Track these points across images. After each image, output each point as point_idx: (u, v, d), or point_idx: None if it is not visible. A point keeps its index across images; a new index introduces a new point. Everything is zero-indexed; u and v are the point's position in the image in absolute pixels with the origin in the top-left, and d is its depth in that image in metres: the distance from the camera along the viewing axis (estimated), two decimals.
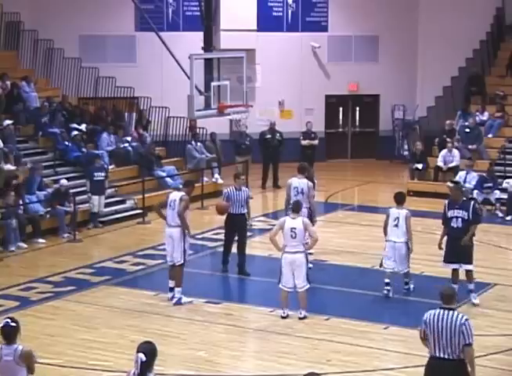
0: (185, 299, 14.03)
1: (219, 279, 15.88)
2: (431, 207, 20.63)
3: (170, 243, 14.09)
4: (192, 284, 14.39)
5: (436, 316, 8.62)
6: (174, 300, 14.01)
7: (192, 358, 11.77)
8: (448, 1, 27.96)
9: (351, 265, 16.45)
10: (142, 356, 7.36)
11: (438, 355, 8.60)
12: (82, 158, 21.16)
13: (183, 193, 14.16)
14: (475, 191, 20.86)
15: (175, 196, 14.12)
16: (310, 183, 15.55)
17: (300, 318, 13.11)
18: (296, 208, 13.36)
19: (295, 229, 12.99)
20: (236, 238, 15.74)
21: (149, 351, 7.46)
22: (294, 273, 13.06)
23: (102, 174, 20.11)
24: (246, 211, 15.65)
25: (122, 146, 23.01)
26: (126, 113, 25.14)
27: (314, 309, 13.46)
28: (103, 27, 26.57)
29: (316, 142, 25.05)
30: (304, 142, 24.94)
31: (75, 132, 22.07)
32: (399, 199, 14.43)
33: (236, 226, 15.60)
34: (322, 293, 14.61)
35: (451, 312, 8.63)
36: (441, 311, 8.65)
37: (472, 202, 13.90)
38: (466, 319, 8.60)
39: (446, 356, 8.55)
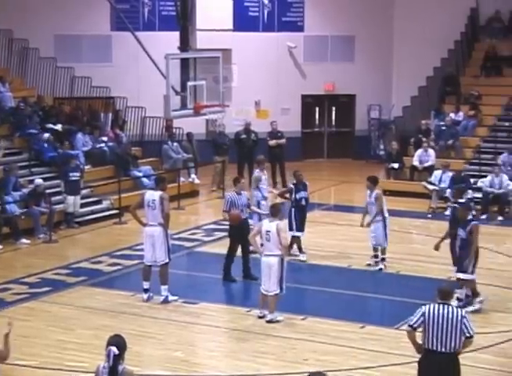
0: (171, 297, 14.01)
1: (196, 279, 15.82)
2: (407, 206, 20.71)
3: (150, 242, 14.01)
4: (169, 284, 14.29)
5: (436, 310, 8.75)
6: (162, 298, 13.98)
7: (168, 358, 11.71)
8: (423, 1, 28.08)
9: (328, 265, 16.44)
10: (114, 349, 7.43)
11: (435, 348, 8.72)
12: (57, 158, 21.03)
13: (161, 192, 14.08)
14: (448, 190, 20.91)
15: (153, 195, 14.04)
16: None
17: (267, 321, 13.05)
18: (273, 212, 13.33)
19: (269, 232, 12.95)
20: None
21: (120, 344, 7.56)
22: (270, 276, 13.03)
23: (77, 174, 20.00)
24: (247, 215, 15.62)
25: (98, 146, 22.90)
26: (102, 113, 25.03)
27: (291, 308, 13.44)
28: (79, 27, 26.44)
29: (283, 141, 24.94)
30: (272, 143, 24.78)
31: (46, 135, 21.82)
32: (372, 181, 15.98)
33: (240, 232, 15.20)
34: (299, 293, 14.59)
35: (450, 307, 8.81)
36: (440, 305, 8.80)
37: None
38: (465, 313, 8.84)
39: (444, 350, 8.69)
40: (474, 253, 13.31)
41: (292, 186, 16.91)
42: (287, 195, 16.95)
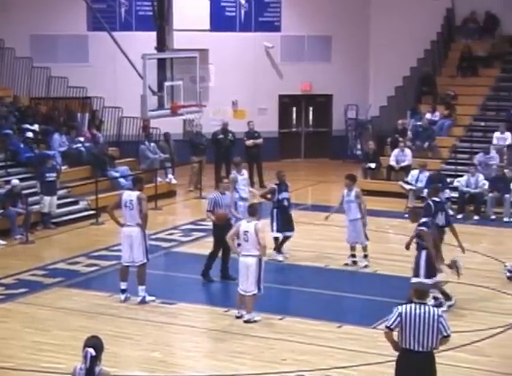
0: (148, 298, 13.99)
1: (174, 279, 15.80)
2: (384, 206, 20.78)
3: (128, 243, 13.99)
4: (146, 285, 14.25)
5: (413, 310, 8.77)
6: (139, 299, 13.95)
7: (146, 359, 11.70)
8: (399, 2, 28.18)
9: (305, 265, 16.47)
10: (91, 350, 7.43)
11: (412, 348, 8.74)
12: (34, 159, 20.94)
13: (139, 192, 14.06)
14: (425, 190, 20.99)
15: (130, 196, 14.01)
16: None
17: (244, 321, 13.06)
18: (251, 212, 13.34)
19: (247, 232, 12.96)
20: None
21: (97, 345, 7.58)
22: (248, 276, 13.03)
23: (54, 174, 19.92)
24: (231, 215, 15.60)
25: (75, 146, 22.82)
26: (79, 114, 24.95)
27: (269, 308, 13.45)
28: (55, 27, 26.33)
29: (260, 140, 24.96)
30: (249, 143, 24.79)
31: (29, 133, 21.78)
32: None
33: (225, 232, 14.83)
34: (276, 292, 14.60)
35: (426, 306, 8.84)
36: (417, 305, 8.82)
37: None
38: (441, 313, 8.88)
39: (421, 349, 8.72)
40: (431, 257, 12.99)
41: (275, 186, 16.90)
42: (269, 196, 16.94)
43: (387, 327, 8.90)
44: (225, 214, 15.03)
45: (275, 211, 16.68)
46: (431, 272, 13.02)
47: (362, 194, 16.32)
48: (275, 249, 16.64)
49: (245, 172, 17.87)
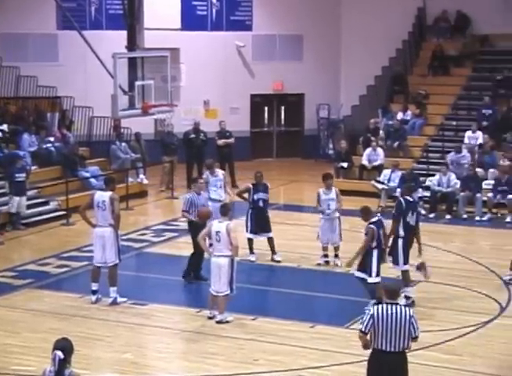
0: (120, 299, 13.95)
1: (145, 280, 15.76)
2: (357, 205, 20.66)
3: (100, 243, 13.93)
4: (118, 286, 14.20)
5: (385, 311, 8.74)
6: (110, 300, 13.90)
7: (117, 360, 11.66)
8: (370, 1, 28.30)
9: (277, 265, 16.48)
10: (59, 353, 7.38)
11: (384, 348, 8.73)
12: (3, 159, 20.79)
13: (111, 193, 14.01)
14: (398, 189, 21.09)
15: (102, 196, 13.96)
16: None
17: (216, 322, 13.04)
18: (223, 211, 13.31)
19: (219, 232, 12.95)
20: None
21: (66, 348, 7.50)
22: (220, 277, 13.02)
23: (23, 175, 19.78)
24: None
25: (45, 146, 22.70)
26: (48, 113, 24.81)
27: (241, 309, 13.45)
28: (24, 26, 26.15)
29: (232, 140, 24.96)
30: (221, 142, 24.77)
31: None
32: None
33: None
34: (248, 293, 14.59)
35: (398, 307, 8.81)
36: (388, 306, 8.79)
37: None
38: (413, 313, 8.85)
39: (393, 349, 8.72)
40: (360, 252, 13.46)
41: (250, 185, 16.86)
42: (245, 195, 16.87)
43: (361, 331, 8.86)
44: (209, 211, 14.95)
45: (249, 211, 16.67)
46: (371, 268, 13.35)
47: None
48: (251, 250, 16.59)
49: (219, 173, 17.67)
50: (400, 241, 13.82)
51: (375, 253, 13.32)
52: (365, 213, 13.73)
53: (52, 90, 25.11)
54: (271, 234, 16.69)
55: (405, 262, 13.84)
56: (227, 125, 25.21)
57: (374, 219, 13.46)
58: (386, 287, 9.14)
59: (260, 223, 16.63)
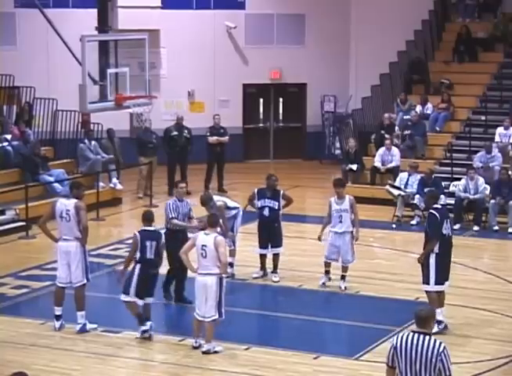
0: (89, 325, 13.94)
1: (119, 304, 15.73)
2: (368, 215, 20.82)
3: (65, 260, 13.93)
4: (86, 310, 14.22)
5: (409, 342, 8.50)
6: (78, 327, 13.88)
7: None
8: None
9: (274, 285, 16.49)
10: None
11: None
12: None
13: (76, 200, 14.00)
14: (417, 196, 21.12)
15: (66, 205, 13.95)
16: None
17: (203, 352, 13.04)
18: (211, 222, 13.29)
19: (206, 246, 12.92)
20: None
21: None
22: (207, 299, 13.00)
23: None
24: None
25: (0, 145, 22.73)
26: (5, 107, 24.85)
27: (231, 336, 13.47)
28: None
29: (226, 138, 24.96)
30: (212, 139, 24.79)
31: None
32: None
33: (180, 245, 14.28)
34: (240, 318, 14.62)
35: (426, 337, 8.51)
36: (415, 335, 8.53)
37: None
38: (445, 347, 8.50)
39: None
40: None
41: (255, 190, 16.79)
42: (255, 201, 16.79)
43: (387, 365, 8.66)
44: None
45: (258, 221, 16.73)
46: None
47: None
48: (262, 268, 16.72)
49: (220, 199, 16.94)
50: (432, 257, 13.62)
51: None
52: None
53: (8, 79, 25.13)
54: (277, 250, 16.72)
55: (438, 281, 13.68)
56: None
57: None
58: (415, 313, 8.73)
59: (265, 235, 16.63)
